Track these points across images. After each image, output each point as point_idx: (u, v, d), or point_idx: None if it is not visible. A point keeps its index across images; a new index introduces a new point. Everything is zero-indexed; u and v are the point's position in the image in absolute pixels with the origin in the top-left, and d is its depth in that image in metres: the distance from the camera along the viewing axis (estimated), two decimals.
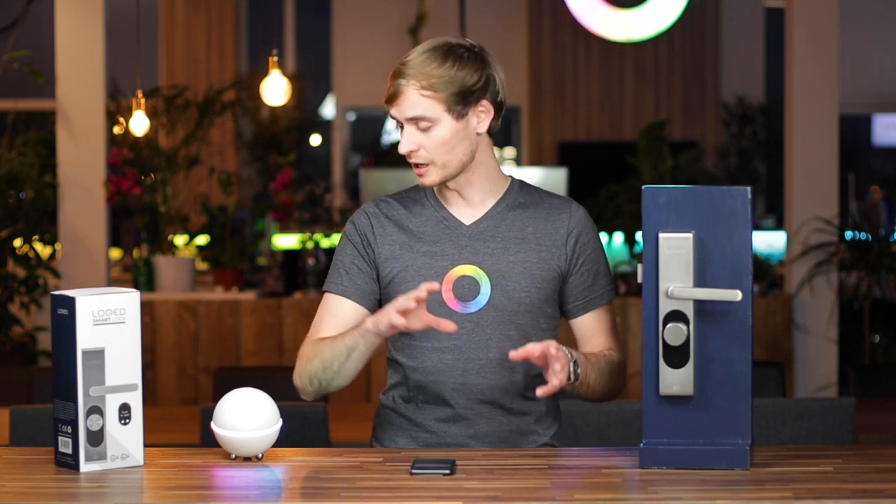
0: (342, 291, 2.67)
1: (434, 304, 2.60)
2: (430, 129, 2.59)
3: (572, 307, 2.71)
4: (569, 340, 2.71)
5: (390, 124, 11.76)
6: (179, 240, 7.11)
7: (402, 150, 2.61)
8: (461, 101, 2.59)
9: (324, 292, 2.71)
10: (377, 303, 2.70)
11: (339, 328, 2.64)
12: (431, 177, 2.62)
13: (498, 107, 2.65)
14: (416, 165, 2.63)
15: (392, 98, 2.61)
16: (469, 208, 2.69)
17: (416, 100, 2.58)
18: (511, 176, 2.74)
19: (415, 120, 2.60)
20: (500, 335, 2.63)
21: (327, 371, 2.59)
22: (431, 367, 2.64)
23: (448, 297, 2.62)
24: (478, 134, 2.64)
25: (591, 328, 2.71)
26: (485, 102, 2.62)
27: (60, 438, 2.36)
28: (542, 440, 2.72)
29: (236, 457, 2.44)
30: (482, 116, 2.63)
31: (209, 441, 3.07)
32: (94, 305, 2.33)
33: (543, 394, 2.47)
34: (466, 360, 2.63)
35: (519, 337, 2.63)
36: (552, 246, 2.66)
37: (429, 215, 2.69)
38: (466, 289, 2.63)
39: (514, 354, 2.47)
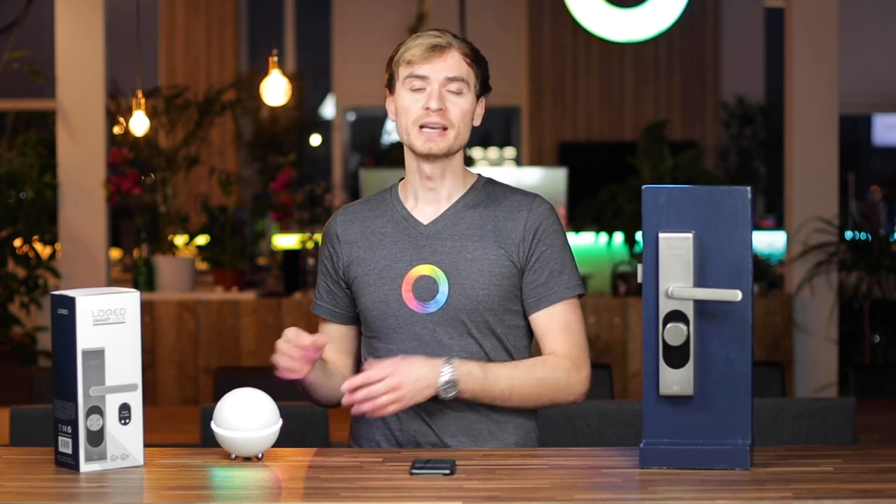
0: (322, 314, 2.77)
1: (395, 305, 2.63)
2: (460, 95, 2.62)
3: (526, 304, 2.66)
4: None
5: (390, 124, 11.75)
6: (179, 240, 7.11)
7: (434, 105, 2.59)
8: (481, 84, 2.67)
9: None
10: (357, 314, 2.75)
11: (331, 347, 2.74)
12: (444, 141, 2.62)
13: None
14: (432, 128, 2.61)
15: (432, 54, 2.61)
16: (432, 206, 2.68)
17: (459, 61, 2.63)
18: (479, 174, 2.75)
19: (453, 80, 2.61)
20: (462, 333, 2.62)
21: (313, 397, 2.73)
22: None
23: (408, 297, 2.62)
24: (473, 126, 2.68)
25: (544, 327, 2.65)
26: (484, 99, 2.70)
27: (60, 438, 2.36)
28: (513, 439, 2.68)
29: (236, 457, 2.44)
30: (479, 110, 2.69)
31: (209, 441, 3.08)
32: (94, 305, 2.33)
33: (353, 408, 2.53)
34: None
35: (483, 335, 2.63)
36: (510, 242, 2.65)
37: (390, 216, 2.70)
38: (425, 289, 2.62)
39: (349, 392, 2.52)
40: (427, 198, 2.69)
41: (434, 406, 2.62)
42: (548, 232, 2.65)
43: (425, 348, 2.61)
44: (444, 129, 2.61)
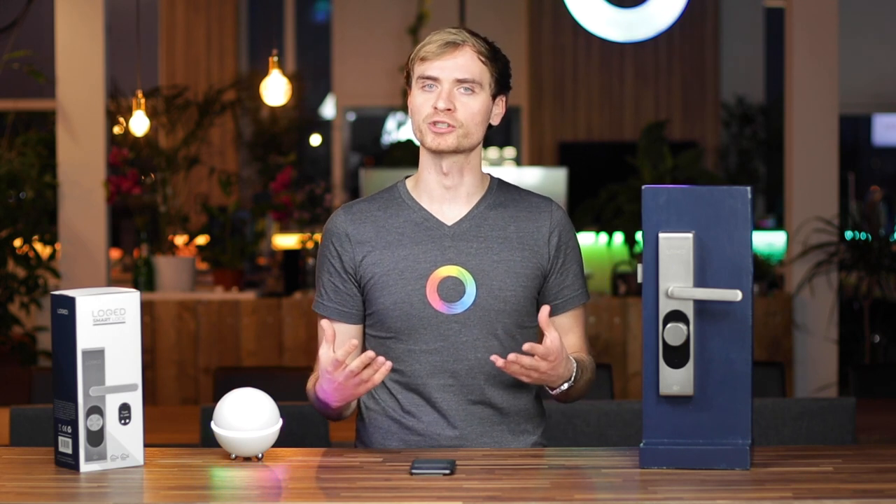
0: (328, 313, 2.69)
1: (419, 305, 2.61)
2: (471, 94, 2.62)
3: (551, 306, 2.63)
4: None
5: (390, 124, 11.75)
6: (179, 240, 7.11)
7: (441, 105, 2.59)
8: (498, 83, 2.66)
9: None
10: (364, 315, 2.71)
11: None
12: (451, 139, 2.61)
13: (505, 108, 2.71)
14: (438, 125, 2.60)
15: (445, 50, 2.60)
16: (452, 206, 2.67)
17: (473, 60, 2.62)
18: (489, 174, 2.75)
19: (464, 81, 2.61)
20: (487, 334, 2.62)
21: (330, 418, 2.70)
22: (419, 369, 2.63)
23: (433, 297, 2.61)
24: (490, 125, 2.67)
25: (567, 327, 2.70)
26: (505, 97, 2.69)
27: (60, 438, 2.36)
28: (533, 439, 2.70)
29: (236, 457, 2.44)
30: (498, 110, 2.68)
31: (209, 441, 3.08)
32: (94, 305, 2.33)
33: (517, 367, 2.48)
34: (454, 360, 2.62)
35: (504, 336, 2.63)
36: (534, 245, 2.66)
37: (407, 216, 2.67)
38: (451, 289, 2.61)
39: (501, 362, 2.46)
40: (446, 197, 2.67)
41: (456, 410, 2.63)
42: (570, 236, 2.71)
43: (448, 349, 2.61)
44: (452, 127, 2.61)
